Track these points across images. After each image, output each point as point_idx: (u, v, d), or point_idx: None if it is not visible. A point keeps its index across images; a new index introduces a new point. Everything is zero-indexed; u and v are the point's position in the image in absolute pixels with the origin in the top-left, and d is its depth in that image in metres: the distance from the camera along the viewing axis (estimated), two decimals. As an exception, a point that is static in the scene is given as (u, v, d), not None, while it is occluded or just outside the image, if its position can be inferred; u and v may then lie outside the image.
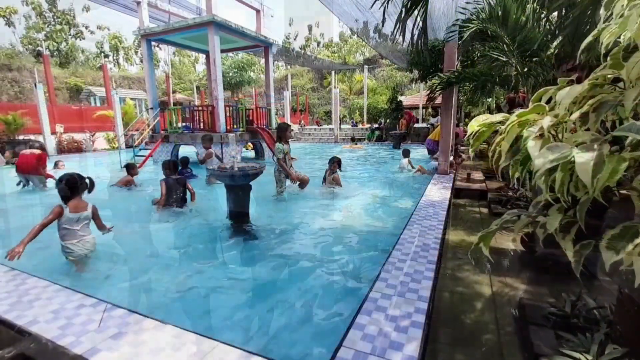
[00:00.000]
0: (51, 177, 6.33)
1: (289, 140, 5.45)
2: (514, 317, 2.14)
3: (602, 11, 1.38)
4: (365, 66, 24.95)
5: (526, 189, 4.50)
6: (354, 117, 26.85)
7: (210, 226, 4.29)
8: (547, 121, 1.11)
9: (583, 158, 0.97)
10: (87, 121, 16.35)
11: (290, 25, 62.84)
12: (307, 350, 2.00)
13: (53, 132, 12.55)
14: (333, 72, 26.65)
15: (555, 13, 3.29)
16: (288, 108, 19.43)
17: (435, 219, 3.66)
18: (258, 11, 11.52)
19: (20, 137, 12.08)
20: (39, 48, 24.88)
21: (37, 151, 6.27)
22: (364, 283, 2.56)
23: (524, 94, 5.05)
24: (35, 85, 11.95)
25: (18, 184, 6.38)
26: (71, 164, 8.80)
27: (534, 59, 3.71)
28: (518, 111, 1.17)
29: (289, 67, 36.42)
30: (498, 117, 1.28)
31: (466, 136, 4.45)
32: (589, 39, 1.27)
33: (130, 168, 6.15)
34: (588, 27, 2.57)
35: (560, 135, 1.16)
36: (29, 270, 2.60)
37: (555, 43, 3.35)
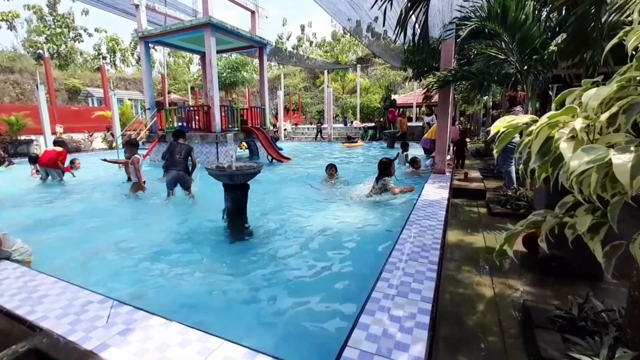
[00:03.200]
0: (69, 171, 7.39)
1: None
2: (518, 319, 2.12)
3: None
4: (358, 65, 24.95)
5: (526, 188, 4.56)
6: (347, 116, 26.86)
7: (208, 225, 4.29)
8: (579, 123, 1.10)
9: (621, 160, 0.96)
10: (86, 121, 16.58)
11: (283, 25, 62.59)
12: (311, 349, 2.00)
13: (53, 133, 12.69)
14: (326, 72, 26.61)
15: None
16: (281, 107, 19.38)
17: (435, 219, 3.63)
18: (253, 12, 11.56)
19: (22, 138, 12.42)
20: (40, 51, 25.43)
21: (59, 148, 7.16)
22: (365, 283, 2.55)
23: (522, 91, 5.09)
24: (37, 86, 12.05)
25: (41, 178, 7.25)
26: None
27: (534, 57, 3.73)
28: (551, 113, 1.15)
29: (281, 67, 36.30)
30: (525, 118, 1.27)
31: (489, 136, 4.46)
32: (615, 40, 1.26)
33: (133, 145, 6.08)
34: (592, 24, 2.59)
35: (590, 137, 1.15)
36: (37, 267, 2.63)
37: (556, 41, 3.39)
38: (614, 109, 1.14)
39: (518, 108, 4.70)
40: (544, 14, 3.26)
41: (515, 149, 1.31)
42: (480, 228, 3.80)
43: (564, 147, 1.08)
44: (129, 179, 7.01)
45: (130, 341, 1.73)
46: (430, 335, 1.76)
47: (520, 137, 1.34)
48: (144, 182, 5.74)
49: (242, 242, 3.81)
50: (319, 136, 19.08)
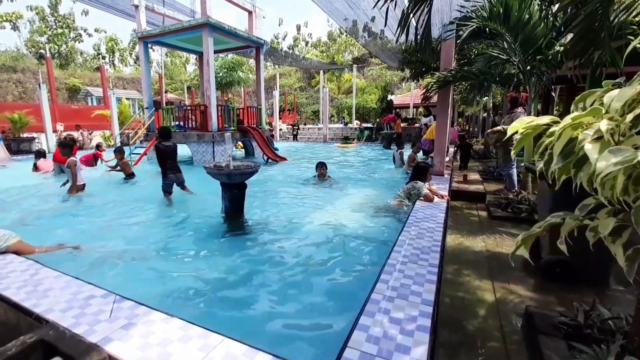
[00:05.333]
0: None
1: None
2: (521, 325, 2.08)
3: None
4: (354, 65, 24.94)
5: (528, 192, 4.53)
6: (343, 116, 26.84)
7: (205, 223, 4.29)
8: (604, 124, 1.06)
9: (651, 162, 0.92)
10: (86, 120, 16.88)
11: (279, 25, 62.47)
12: (310, 348, 1.99)
13: (54, 130, 13.06)
14: (321, 72, 26.57)
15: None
16: (277, 107, 19.32)
17: (434, 221, 3.60)
18: (250, 12, 11.56)
19: (25, 135, 12.76)
20: (42, 50, 25.93)
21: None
22: (363, 284, 2.55)
23: (524, 92, 5.06)
24: (40, 85, 12.43)
25: (53, 171, 7.86)
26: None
27: (538, 57, 3.71)
28: (574, 114, 1.11)
29: (277, 67, 36.20)
30: (545, 119, 1.23)
31: (505, 137, 4.37)
32: (636, 42, 1.22)
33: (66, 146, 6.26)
34: (600, 23, 2.56)
35: (614, 138, 1.11)
36: (42, 261, 2.70)
37: (561, 40, 3.36)
38: (638, 110, 1.11)
39: (520, 110, 4.66)
40: (549, 13, 3.23)
41: (536, 150, 1.27)
42: (480, 231, 3.75)
43: (590, 148, 1.05)
44: (127, 177, 6.99)
45: (132, 335, 1.76)
46: (432, 339, 1.74)
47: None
48: (83, 185, 5.71)
49: (239, 241, 3.81)
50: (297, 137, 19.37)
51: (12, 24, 29.22)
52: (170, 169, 5.32)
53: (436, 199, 4.44)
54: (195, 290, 2.72)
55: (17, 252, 2.87)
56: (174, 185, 5.51)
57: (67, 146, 5.65)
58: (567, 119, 1.11)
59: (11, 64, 25.54)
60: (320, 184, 6.40)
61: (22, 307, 2.03)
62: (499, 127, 4.70)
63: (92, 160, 8.94)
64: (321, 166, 6.45)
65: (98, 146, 9.31)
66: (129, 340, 1.71)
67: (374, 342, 1.67)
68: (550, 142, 1.17)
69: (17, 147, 12.17)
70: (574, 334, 1.77)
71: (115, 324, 1.84)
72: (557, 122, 1.21)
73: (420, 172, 4.69)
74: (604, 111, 1.10)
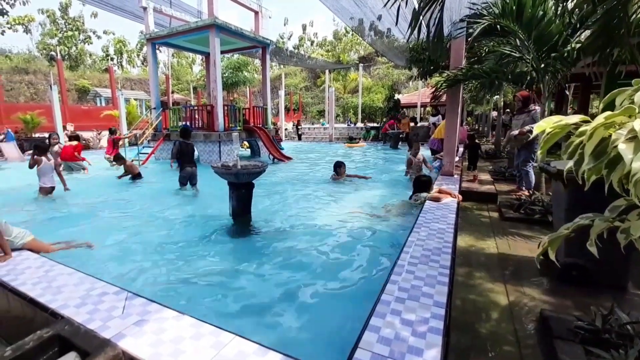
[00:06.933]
0: (84, 159, 8.28)
1: None
2: (535, 329, 2.03)
3: None
4: (360, 64, 24.81)
5: (542, 192, 4.42)
6: (349, 115, 26.75)
7: (214, 223, 4.30)
8: (638, 124, 1.01)
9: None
10: (95, 120, 17.31)
11: (285, 25, 62.53)
12: (320, 348, 1.98)
13: (65, 130, 13.22)
14: (327, 71, 26.49)
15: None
16: (282, 107, 19.32)
17: (444, 222, 3.54)
18: (257, 13, 11.56)
19: (37, 135, 13.13)
20: (52, 52, 26.82)
21: (74, 142, 8.12)
22: (373, 284, 2.52)
23: (533, 91, 4.94)
24: (51, 87, 12.70)
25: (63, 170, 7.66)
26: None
27: (553, 55, 3.62)
28: (607, 113, 1.07)
29: (282, 66, 36.24)
30: (574, 118, 1.18)
31: (532, 137, 4.26)
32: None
33: (117, 159, 7.47)
34: (619, 20, 2.49)
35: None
36: (55, 258, 2.75)
37: (577, 37, 3.28)
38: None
39: (538, 108, 4.50)
40: (564, 10, 3.15)
41: (563, 150, 1.22)
42: (492, 233, 3.68)
43: (623, 148, 1.00)
44: (133, 177, 7.05)
45: (145, 332, 1.78)
46: (445, 341, 1.72)
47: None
48: (52, 187, 5.77)
49: (247, 241, 3.82)
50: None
51: (24, 27, 29.95)
52: (187, 162, 6.01)
53: (445, 199, 4.35)
54: (203, 289, 2.72)
55: (32, 250, 2.92)
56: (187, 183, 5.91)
57: (37, 147, 5.72)
58: (599, 118, 1.06)
59: (23, 66, 26.09)
60: (333, 184, 6.40)
61: (38, 303, 2.08)
62: (527, 128, 4.57)
63: (111, 147, 9.48)
64: (340, 165, 6.49)
65: (113, 132, 9.78)
66: (141, 337, 1.73)
67: (385, 343, 1.65)
68: (580, 141, 1.13)
69: (30, 146, 12.30)
70: (591, 338, 1.73)
71: (128, 321, 1.87)
72: (587, 122, 1.16)
73: (421, 186, 4.56)
74: (637, 110, 1.05)
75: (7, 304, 2.30)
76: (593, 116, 1.12)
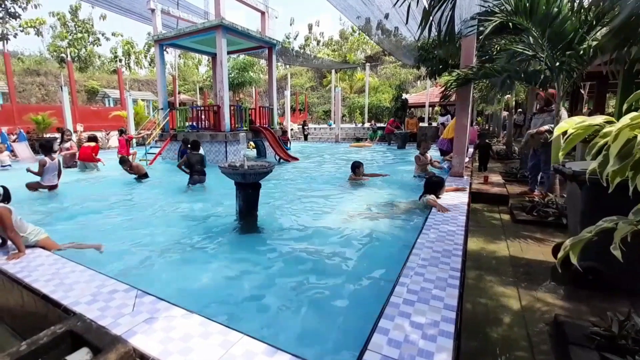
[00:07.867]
0: (100, 160, 8.70)
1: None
2: (549, 334, 1.99)
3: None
4: (367, 64, 24.69)
5: (555, 194, 4.31)
6: (355, 116, 26.63)
7: (221, 223, 4.30)
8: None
9: None
10: (104, 121, 17.64)
11: (291, 25, 62.63)
12: (328, 349, 1.96)
13: (75, 131, 13.55)
14: (333, 71, 26.40)
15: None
16: (288, 107, 19.32)
17: (454, 224, 3.47)
18: (263, 13, 11.59)
19: (48, 136, 13.24)
20: (63, 54, 27.41)
21: (93, 143, 8.62)
22: (381, 286, 2.49)
23: (545, 91, 4.82)
24: (62, 88, 12.95)
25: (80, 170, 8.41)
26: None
27: (568, 53, 3.53)
28: (633, 114, 1.02)
29: (288, 66, 36.27)
30: (598, 119, 1.14)
31: (552, 137, 4.13)
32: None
33: (122, 162, 7.36)
34: (637, 18, 2.41)
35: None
36: (67, 256, 2.82)
37: (594, 35, 3.18)
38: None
39: (562, 110, 4.35)
40: (580, 7, 3.06)
41: (586, 151, 1.18)
42: (503, 235, 3.62)
43: (652, 150, 0.95)
44: (140, 177, 7.11)
45: (155, 329, 1.80)
46: (456, 345, 1.69)
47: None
48: (55, 185, 5.99)
49: (254, 241, 3.81)
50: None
51: (36, 29, 30.49)
52: (197, 172, 6.30)
53: (451, 201, 4.26)
54: (211, 288, 2.72)
55: (44, 248, 2.96)
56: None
57: (42, 147, 5.99)
58: (625, 119, 1.02)
59: (35, 67, 26.60)
60: (340, 184, 6.38)
61: (51, 299, 2.12)
62: (545, 127, 4.46)
63: (126, 146, 9.89)
64: (358, 166, 6.41)
65: (123, 132, 10.30)
66: (151, 334, 1.76)
67: (395, 345, 1.63)
68: (605, 142, 1.08)
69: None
70: (607, 344, 1.70)
71: (138, 318, 1.89)
72: (611, 122, 1.11)
73: (432, 186, 4.39)
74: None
75: (21, 300, 2.35)
76: (610, 116, 1.08)
